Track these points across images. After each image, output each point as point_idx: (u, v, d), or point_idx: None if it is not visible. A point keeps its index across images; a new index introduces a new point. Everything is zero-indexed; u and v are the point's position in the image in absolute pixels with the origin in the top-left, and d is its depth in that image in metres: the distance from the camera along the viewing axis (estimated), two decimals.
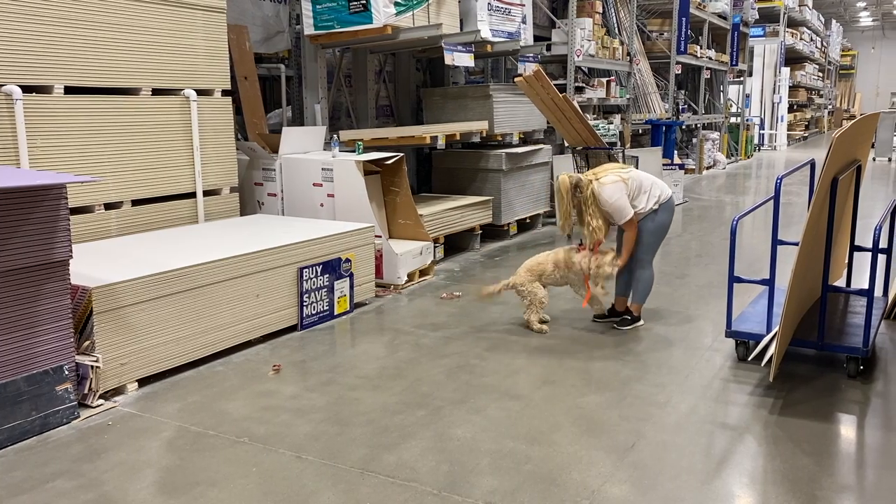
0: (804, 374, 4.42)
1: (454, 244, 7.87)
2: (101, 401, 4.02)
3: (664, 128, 12.86)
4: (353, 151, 6.74)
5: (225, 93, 6.11)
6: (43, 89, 4.91)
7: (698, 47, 15.40)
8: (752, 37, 20.40)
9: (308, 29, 7.29)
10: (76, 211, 5.10)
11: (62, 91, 4.98)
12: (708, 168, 16.75)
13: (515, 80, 8.17)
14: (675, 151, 13.58)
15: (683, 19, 13.99)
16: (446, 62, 7.42)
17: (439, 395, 4.13)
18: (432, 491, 3.15)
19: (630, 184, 5.00)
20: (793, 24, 25.03)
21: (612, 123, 11.29)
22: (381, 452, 3.48)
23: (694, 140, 16.36)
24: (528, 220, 9.11)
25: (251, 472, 3.32)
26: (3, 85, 4.65)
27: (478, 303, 5.93)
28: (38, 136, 4.86)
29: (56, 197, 3.70)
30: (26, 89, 4.78)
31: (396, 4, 6.96)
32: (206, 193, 6.02)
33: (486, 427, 3.74)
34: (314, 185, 6.54)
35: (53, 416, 3.75)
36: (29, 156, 4.79)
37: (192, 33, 5.78)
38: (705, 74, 16.49)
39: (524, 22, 9.13)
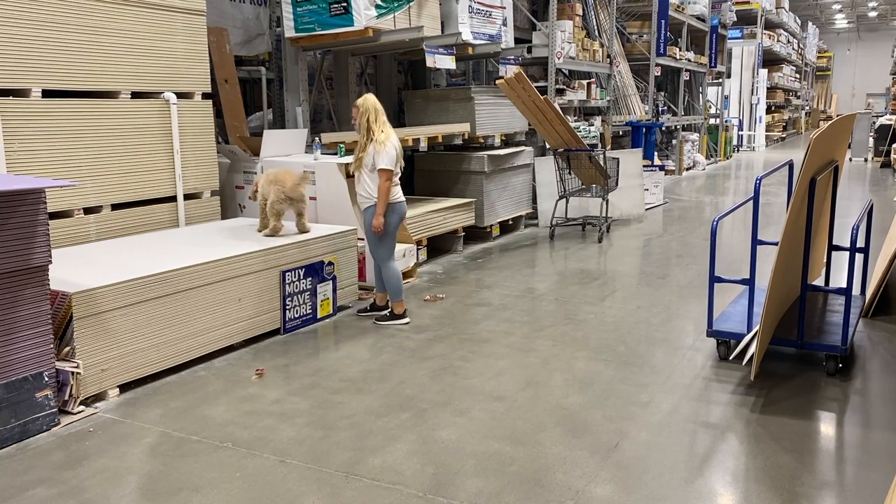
0: (784, 372, 4.47)
1: (437, 246, 7.87)
2: (81, 407, 3.98)
3: (644, 129, 12.94)
4: (335, 154, 6.73)
5: (205, 96, 6.07)
6: (20, 92, 4.85)
7: (677, 49, 15.53)
8: (730, 39, 20.62)
9: (289, 31, 7.27)
10: (55, 215, 5.05)
11: (40, 94, 4.93)
12: (688, 169, 16.89)
13: (497, 82, 8.20)
14: (656, 153, 13.67)
15: (662, 21, 14.10)
16: (427, 64, 7.43)
17: (423, 398, 4.13)
18: (417, 493, 3.15)
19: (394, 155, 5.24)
20: (770, 26, 25.30)
21: (592, 125, 11.35)
22: (366, 455, 3.47)
23: (674, 141, 16.49)
24: (510, 222, 9.14)
25: (235, 477, 3.30)
26: None
27: (461, 305, 5.94)
28: (15, 140, 4.81)
29: (35, 201, 3.66)
30: (3, 93, 4.73)
31: (377, 7, 6.96)
32: (187, 197, 5.98)
33: (471, 429, 3.74)
34: None
35: (33, 423, 3.70)
36: (6, 160, 4.74)
37: (171, 36, 5.74)
38: (684, 76, 16.63)
39: (505, 24, 9.17)
